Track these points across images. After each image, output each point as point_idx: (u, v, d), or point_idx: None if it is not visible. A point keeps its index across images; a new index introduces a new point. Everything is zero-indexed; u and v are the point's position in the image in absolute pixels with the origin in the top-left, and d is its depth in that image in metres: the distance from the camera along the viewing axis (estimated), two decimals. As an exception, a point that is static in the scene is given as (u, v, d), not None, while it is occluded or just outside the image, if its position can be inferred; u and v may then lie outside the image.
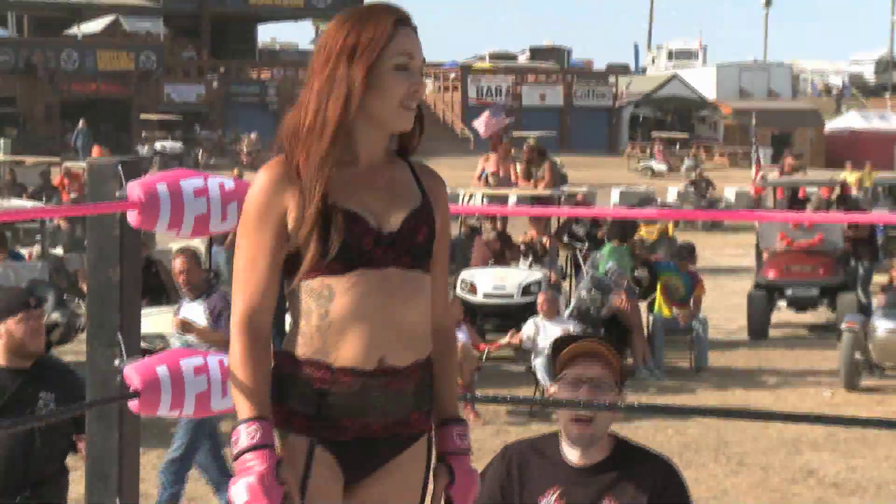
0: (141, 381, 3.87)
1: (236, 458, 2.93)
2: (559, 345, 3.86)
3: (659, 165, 44.33)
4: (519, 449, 3.91)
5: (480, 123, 17.30)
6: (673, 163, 45.45)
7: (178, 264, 8.60)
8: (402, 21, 2.98)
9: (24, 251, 16.98)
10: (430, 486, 3.14)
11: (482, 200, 17.45)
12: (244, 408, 2.96)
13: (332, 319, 2.96)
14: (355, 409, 2.98)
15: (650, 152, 47.35)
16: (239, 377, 2.99)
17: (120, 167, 3.94)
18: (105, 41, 49.22)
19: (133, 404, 3.91)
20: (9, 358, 5.32)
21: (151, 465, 8.42)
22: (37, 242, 17.44)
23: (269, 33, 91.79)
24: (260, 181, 3.00)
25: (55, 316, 12.90)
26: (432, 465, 3.15)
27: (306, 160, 2.96)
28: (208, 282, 8.75)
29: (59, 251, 17.92)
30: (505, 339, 12.77)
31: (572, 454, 3.79)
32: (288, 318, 3.18)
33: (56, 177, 28.70)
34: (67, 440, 5.46)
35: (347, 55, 2.94)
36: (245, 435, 2.93)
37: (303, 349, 3.00)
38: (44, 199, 25.75)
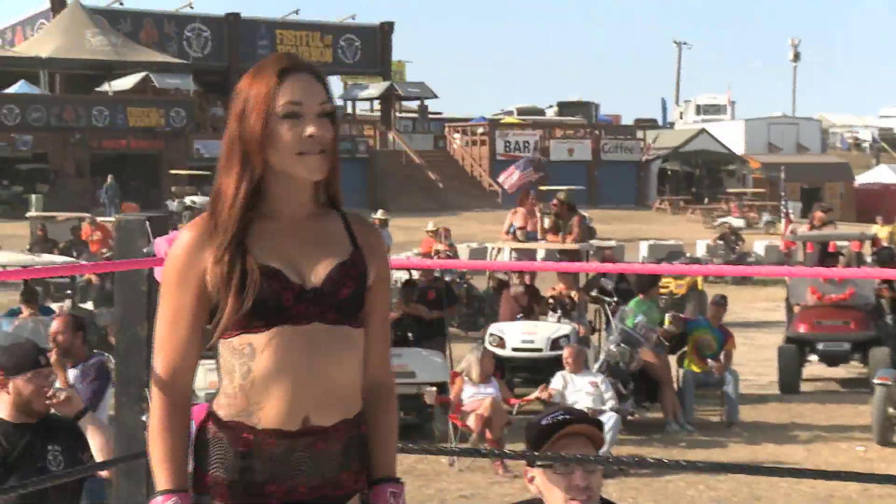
0: (168, 436, 3.85)
1: None
2: (547, 431, 3.73)
3: (737, 221, 44.14)
4: None
5: (507, 179, 17.29)
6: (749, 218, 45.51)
7: (54, 326, 8.01)
8: (289, 69, 2.92)
9: (54, 306, 17.03)
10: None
11: (510, 255, 17.45)
12: (162, 477, 2.92)
13: (255, 378, 2.88)
14: (280, 472, 2.91)
15: (727, 208, 47.22)
16: (158, 443, 2.94)
17: (147, 223, 3.95)
18: (135, 98, 49.57)
19: (160, 460, 3.89)
20: (15, 414, 5.34)
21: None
22: (67, 297, 17.52)
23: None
24: (181, 240, 2.95)
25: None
26: None
27: (221, 218, 2.92)
28: (91, 349, 8.33)
29: (89, 306, 17.98)
30: (534, 394, 12.71)
31: None
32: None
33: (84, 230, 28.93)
34: (75, 493, 5.47)
35: (239, 115, 2.92)
36: None
37: (226, 410, 2.93)
38: (74, 254, 25.88)
